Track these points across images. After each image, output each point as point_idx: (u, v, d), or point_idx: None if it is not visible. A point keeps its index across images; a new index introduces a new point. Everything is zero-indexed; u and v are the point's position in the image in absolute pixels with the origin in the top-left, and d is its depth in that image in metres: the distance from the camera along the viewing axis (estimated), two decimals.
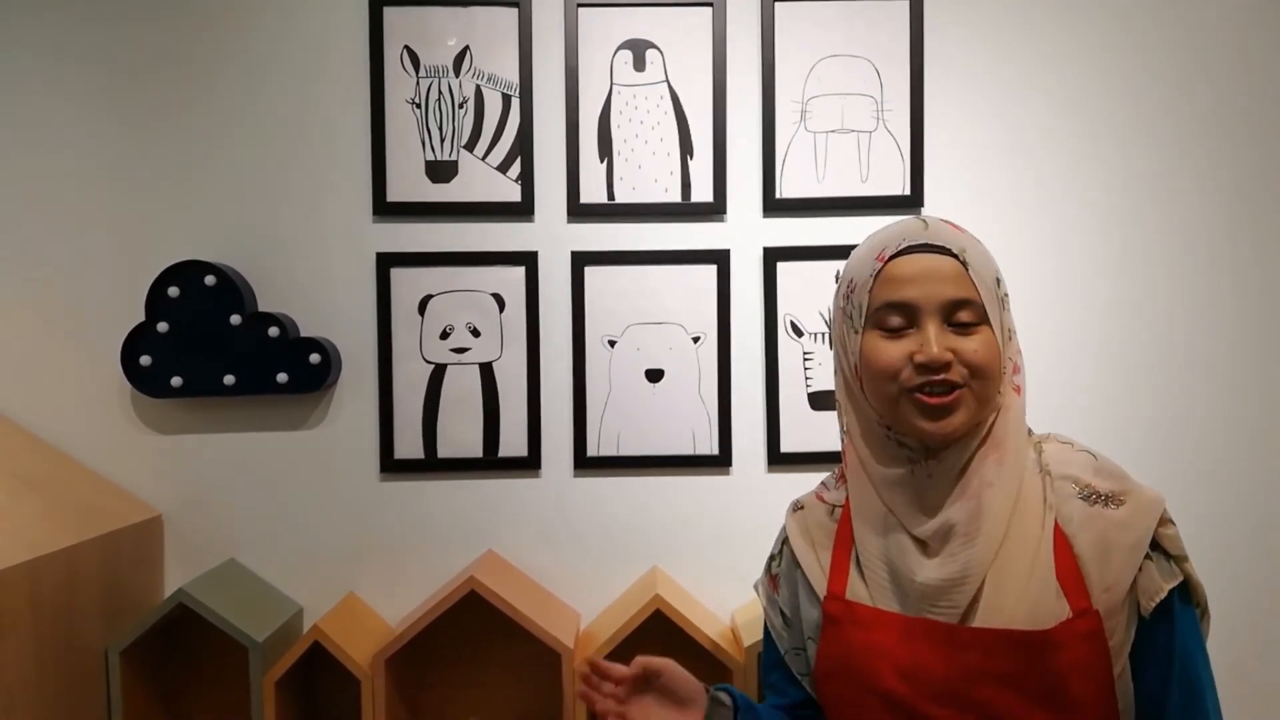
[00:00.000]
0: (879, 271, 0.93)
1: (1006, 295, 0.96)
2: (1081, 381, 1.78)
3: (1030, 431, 0.99)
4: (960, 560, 0.89)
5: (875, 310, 0.93)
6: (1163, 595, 0.88)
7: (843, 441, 1.04)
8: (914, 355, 0.90)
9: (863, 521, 0.98)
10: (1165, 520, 0.90)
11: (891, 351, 0.92)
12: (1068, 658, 0.86)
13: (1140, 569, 0.88)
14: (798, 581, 1.05)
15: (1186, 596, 0.90)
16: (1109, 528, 0.89)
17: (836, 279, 1.22)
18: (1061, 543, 0.90)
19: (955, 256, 0.92)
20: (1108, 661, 0.87)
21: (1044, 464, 0.95)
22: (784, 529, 1.10)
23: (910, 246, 0.93)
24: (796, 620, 1.05)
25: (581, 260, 1.76)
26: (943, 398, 0.89)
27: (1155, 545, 0.89)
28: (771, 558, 1.12)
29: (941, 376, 0.89)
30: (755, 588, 1.14)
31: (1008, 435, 0.93)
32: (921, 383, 0.90)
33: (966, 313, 0.91)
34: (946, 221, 0.97)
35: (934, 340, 0.89)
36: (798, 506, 1.10)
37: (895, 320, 0.92)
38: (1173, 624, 0.89)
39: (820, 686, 1.01)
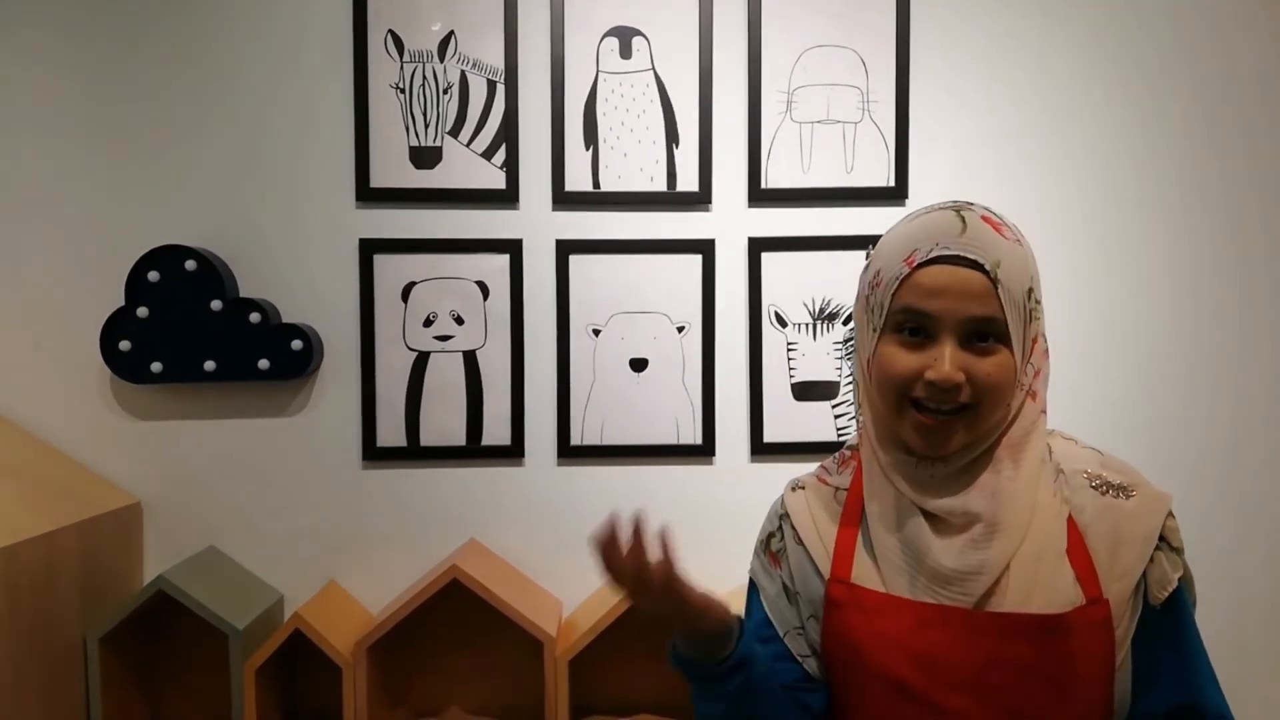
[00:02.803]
0: (906, 276, 0.92)
1: (1038, 303, 0.95)
2: (1066, 377, 1.79)
3: None
4: (981, 553, 0.90)
5: (895, 312, 0.93)
6: (1174, 586, 0.91)
7: (858, 422, 1.04)
8: (925, 371, 0.90)
9: (874, 498, 0.98)
10: (1169, 514, 0.93)
11: (906, 362, 0.91)
12: (1078, 644, 0.88)
13: (1151, 560, 0.91)
14: (799, 558, 1.03)
15: (1182, 588, 0.93)
16: (1121, 518, 0.92)
17: (867, 256, 1.16)
18: (1074, 533, 0.92)
19: (987, 273, 0.89)
20: (1113, 651, 0.89)
21: (1054, 459, 0.97)
22: (781, 505, 1.08)
23: (942, 256, 0.90)
24: (797, 597, 1.03)
25: (566, 248, 1.76)
26: (942, 418, 0.90)
27: (1161, 537, 0.92)
28: (770, 535, 1.08)
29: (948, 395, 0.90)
30: (753, 572, 1.08)
31: (1025, 436, 0.95)
32: (927, 395, 0.90)
33: (987, 331, 0.90)
34: (987, 219, 0.93)
35: (948, 359, 0.89)
36: (798, 485, 1.09)
37: (913, 327, 0.92)
38: (1179, 614, 0.92)
39: (827, 671, 1.00)
